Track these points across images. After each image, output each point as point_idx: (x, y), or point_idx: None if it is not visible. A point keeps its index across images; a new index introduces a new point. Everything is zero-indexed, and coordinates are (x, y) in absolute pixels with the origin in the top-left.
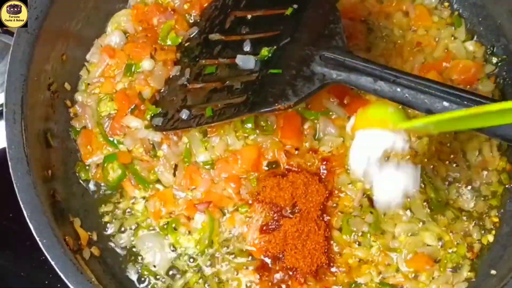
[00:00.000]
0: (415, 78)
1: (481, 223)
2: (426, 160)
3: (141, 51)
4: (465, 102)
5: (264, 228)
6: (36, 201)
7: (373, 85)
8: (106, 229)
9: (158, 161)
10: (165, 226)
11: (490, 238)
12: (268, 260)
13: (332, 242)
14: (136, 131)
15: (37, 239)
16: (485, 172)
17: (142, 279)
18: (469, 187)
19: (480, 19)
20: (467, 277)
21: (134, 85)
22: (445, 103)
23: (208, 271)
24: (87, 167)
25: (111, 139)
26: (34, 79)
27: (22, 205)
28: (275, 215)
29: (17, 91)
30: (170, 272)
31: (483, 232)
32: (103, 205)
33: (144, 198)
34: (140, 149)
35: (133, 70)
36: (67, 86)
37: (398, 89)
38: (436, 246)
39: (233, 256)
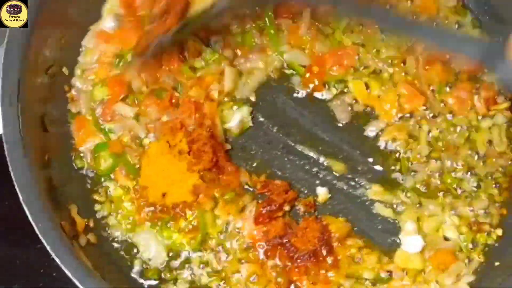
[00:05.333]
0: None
1: (489, 216)
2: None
3: (131, 37)
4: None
5: (260, 219)
6: (31, 185)
7: None
8: (101, 218)
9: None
10: (158, 223)
11: (499, 231)
12: (267, 251)
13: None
14: (126, 119)
15: (33, 223)
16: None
17: (139, 267)
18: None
19: (485, 7)
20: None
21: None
22: None
23: (208, 263)
24: (81, 154)
25: (103, 126)
26: (31, 61)
27: (17, 189)
28: (268, 207)
29: (14, 73)
30: (167, 264)
31: (491, 225)
32: (96, 194)
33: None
34: (126, 138)
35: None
36: (65, 70)
37: None
38: (456, 239)
39: (232, 246)
